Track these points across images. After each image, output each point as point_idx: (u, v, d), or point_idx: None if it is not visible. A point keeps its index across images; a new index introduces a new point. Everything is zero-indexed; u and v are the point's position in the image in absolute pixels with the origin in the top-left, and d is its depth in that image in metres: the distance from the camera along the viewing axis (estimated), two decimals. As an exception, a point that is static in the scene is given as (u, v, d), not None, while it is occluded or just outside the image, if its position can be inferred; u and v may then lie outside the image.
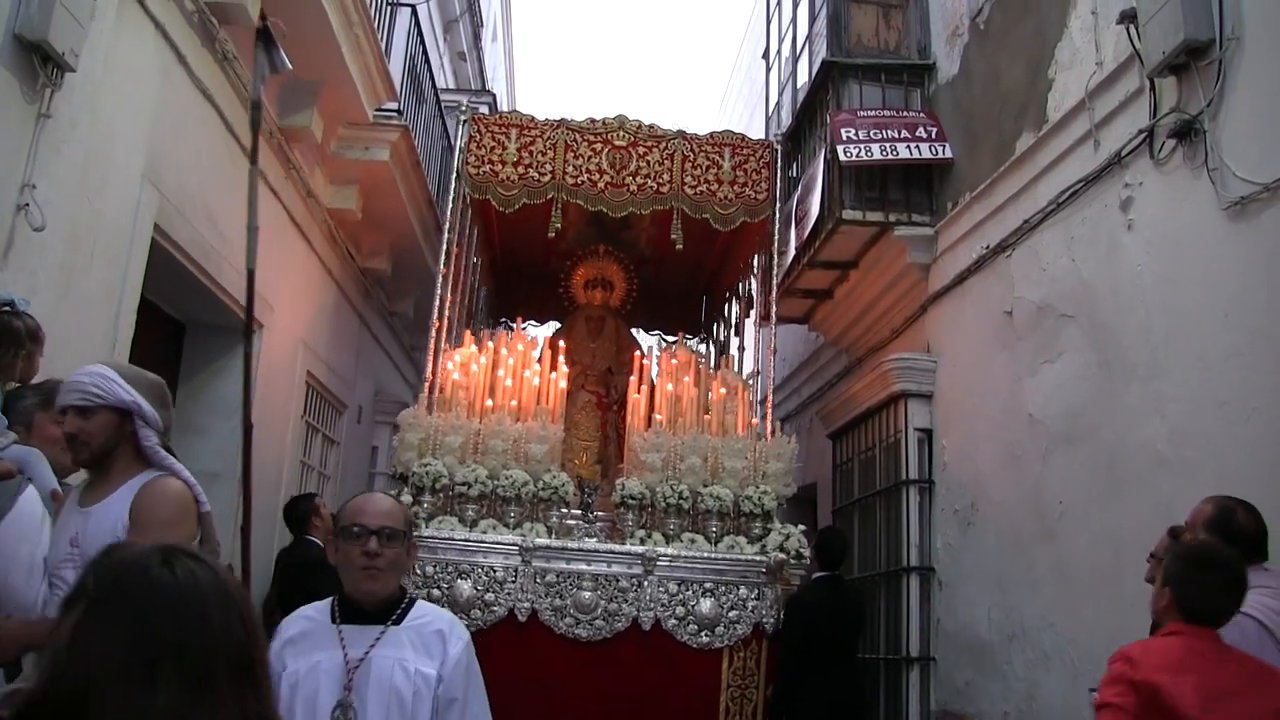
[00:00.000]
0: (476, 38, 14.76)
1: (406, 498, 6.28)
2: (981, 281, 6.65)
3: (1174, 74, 4.59)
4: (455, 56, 14.16)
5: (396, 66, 8.26)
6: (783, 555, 6.28)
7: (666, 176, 7.52)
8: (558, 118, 7.66)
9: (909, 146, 7.17)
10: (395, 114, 8.10)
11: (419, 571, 6.13)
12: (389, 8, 8.23)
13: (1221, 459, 4.18)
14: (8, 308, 3.10)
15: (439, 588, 6.10)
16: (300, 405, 7.99)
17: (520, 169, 7.51)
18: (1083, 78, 5.49)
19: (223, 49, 5.67)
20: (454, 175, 7.57)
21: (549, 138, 7.59)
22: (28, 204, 3.87)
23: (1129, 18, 4.85)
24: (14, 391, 3.17)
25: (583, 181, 7.50)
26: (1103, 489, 5.08)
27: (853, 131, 7.17)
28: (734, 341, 9.14)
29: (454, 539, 6.20)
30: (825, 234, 7.64)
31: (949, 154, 7.15)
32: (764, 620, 6.22)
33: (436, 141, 10.04)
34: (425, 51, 9.49)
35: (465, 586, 6.11)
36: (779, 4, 9.97)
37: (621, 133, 7.62)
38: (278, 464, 7.31)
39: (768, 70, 10.41)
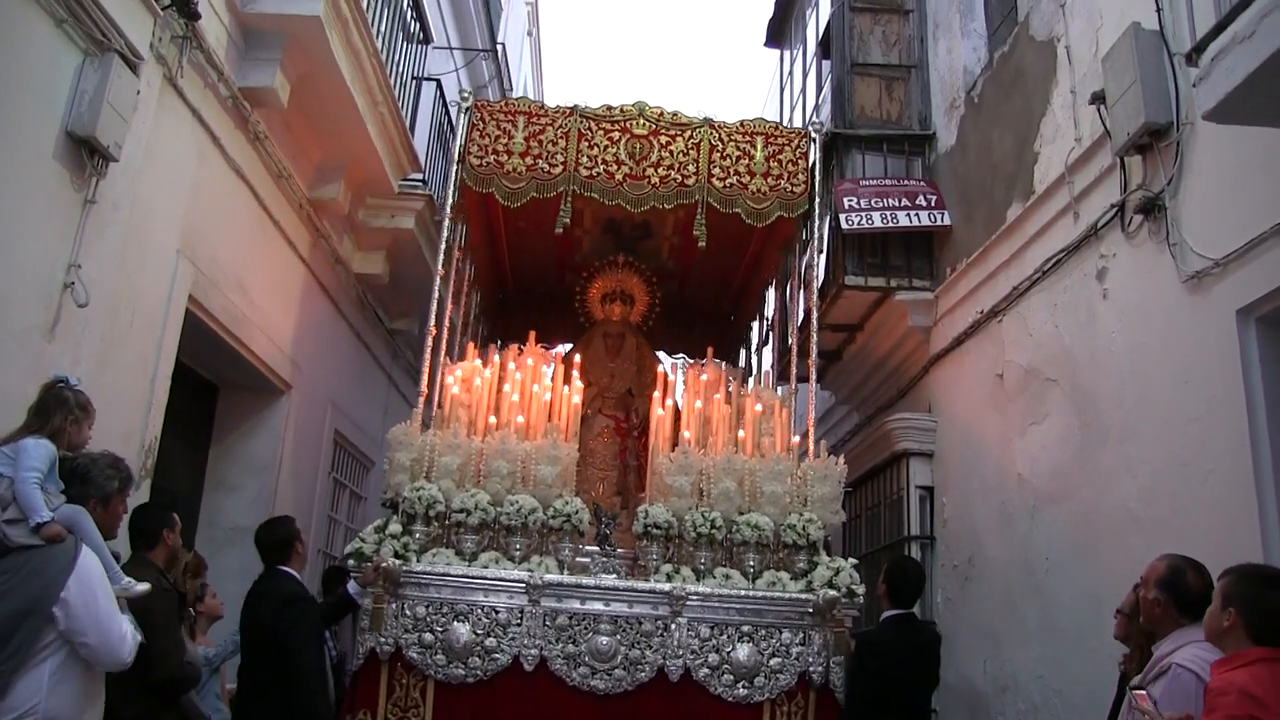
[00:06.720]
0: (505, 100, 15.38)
1: (395, 527, 5.65)
2: (977, 345, 6.90)
3: (1139, 153, 4.88)
4: (484, 120, 14.69)
5: (423, 131, 8.67)
6: (833, 593, 5.52)
7: (692, 168, 6.73)
8: (570, 104, 6.91)
9: (909, 214, 7.44)
10: (420, 183, 8.49)
11: (408, 613, 5.41)
12: (414, 81, 8.66)
13: (1184, 518, 4.41)
14: (62, 384, 3.50)
15: (432, 631, 5.38)
16: (328, 462, 8.33)
17: (528, 160, 6.69)
18: (1064, 152, 5.78)
19: (254, 129, 6.08)
20: (455, 163, 6.83)
21: (560, 126, 6.78)
22: (73, 282, 4.26)
23: (1099, 99, 5.16)
24: (89, 462, 3.52)
25: (598, 173, 6.69)
26: (1083, 546, 5.30)
27: (855, 200, 7.46)
28: (767, 359, 8.54)
29: (450, 575, 5.47)
30: (830, 298, 7.91)
31: (948, 221, 7.41)
32: (811, 669, 5.47)
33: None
34: (451, 119, 9.90)
35: (463, 630, 5.36)
36: (790, 75, 10.34)
37: (642, 120, 6.83)
38: (304, 518, 7.61)
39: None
